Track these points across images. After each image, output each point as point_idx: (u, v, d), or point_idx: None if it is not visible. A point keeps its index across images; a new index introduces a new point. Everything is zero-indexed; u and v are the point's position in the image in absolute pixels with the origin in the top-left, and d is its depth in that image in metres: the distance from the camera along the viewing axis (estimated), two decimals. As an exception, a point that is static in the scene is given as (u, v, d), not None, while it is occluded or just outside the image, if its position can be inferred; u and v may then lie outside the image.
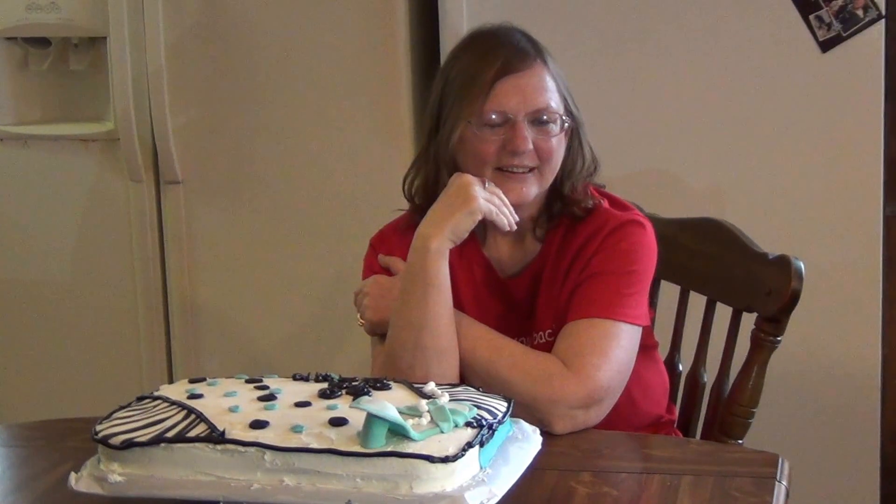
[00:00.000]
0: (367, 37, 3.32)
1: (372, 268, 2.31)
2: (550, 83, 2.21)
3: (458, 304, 2.22)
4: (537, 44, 2.25)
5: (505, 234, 2.25)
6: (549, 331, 2.22)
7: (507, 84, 2.19)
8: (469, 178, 2.17)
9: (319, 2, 3.31)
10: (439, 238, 2.12)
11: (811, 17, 3.05)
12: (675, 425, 2.41)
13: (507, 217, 2.16)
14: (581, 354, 2.10)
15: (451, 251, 2.18)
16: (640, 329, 2.20)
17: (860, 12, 3.04)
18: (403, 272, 2.18)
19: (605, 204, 2.26)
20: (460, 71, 2.23)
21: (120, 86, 3.43)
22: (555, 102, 2.20)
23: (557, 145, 2.20)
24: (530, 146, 2.18)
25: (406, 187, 2.32)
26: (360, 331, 2.31)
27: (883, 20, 3.05)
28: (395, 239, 2.32)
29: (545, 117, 2.19)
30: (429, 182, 2.27)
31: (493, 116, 2.18)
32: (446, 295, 2.14)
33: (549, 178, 2.22)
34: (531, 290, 2.26)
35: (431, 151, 2.26)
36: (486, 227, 2.25)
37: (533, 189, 2.20)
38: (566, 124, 2.21)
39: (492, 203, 2.15)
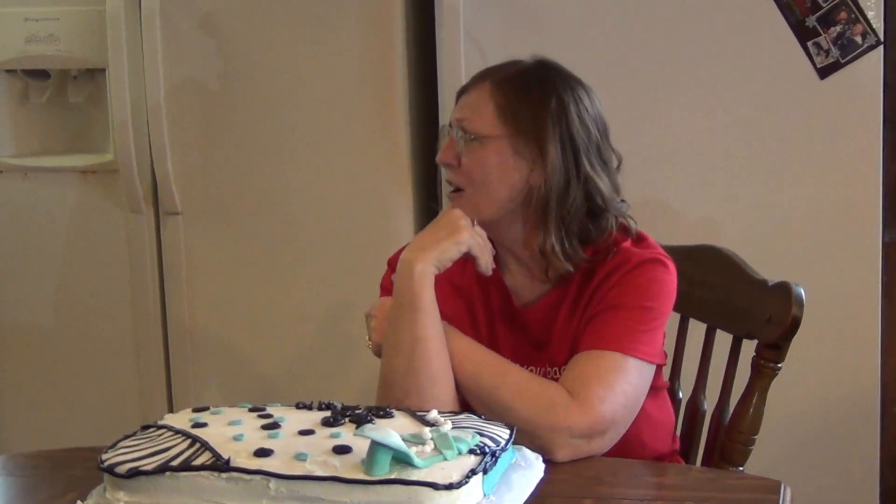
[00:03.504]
0: (365, 69, 3.33)
1: (386, 287, 2.30)
2: (484, 102, 2.20)
3: (473, 329, 2.25)
4: (509, 70, 2.25)
5: (520, 265, 2.27)
6: (565, 367, 2.20)
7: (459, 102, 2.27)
8: (459, 211, 2.18)
9: (317, 35, 3.33)
10: (423, 263, 2.12)
11: (809, 43, 3.07)
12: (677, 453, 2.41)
13: (485, 260, 2.18)
14: (587, 385, 2.08)
15: (470, 276, 2.19)
16: (653, 367, 2.18)
17: (858, 39, 3.05)
18: (392, 298, 2.18)
19: (628, 243, 2.24)
20: None
21: (119, 117, 3.44)
22: (479, 119, 2.19)
23: (478, 164, 2.19)
24: (444, 157, 2.22)
25: None
26: (359, 359, 2.32)
27: (881, 46, 3.06)
28: None
29: (463, 128, 2.20)
30: None
31: (445, 131, 2.26)
32: (434, 318, 2.13)
33: (482, 203, 2.20)
34: (546, 321, 2.25)
35: None
36: (504, 253, 2.27)
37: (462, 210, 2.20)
38: (489, 144, 2.19)
39: (476, 239, 2.16)
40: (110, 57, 3.42)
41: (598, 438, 2.08)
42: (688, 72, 3.17)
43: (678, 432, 2.48)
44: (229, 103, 3.41)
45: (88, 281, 3.62)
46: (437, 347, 2.13)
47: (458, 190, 2.23)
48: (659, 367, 2.25)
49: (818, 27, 3.06)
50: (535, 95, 2.21)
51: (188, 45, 3.40)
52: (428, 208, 3.37)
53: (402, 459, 1.65)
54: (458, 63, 3.20)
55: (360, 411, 1.83)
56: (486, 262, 2.19)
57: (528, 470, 1.83)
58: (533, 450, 1.91)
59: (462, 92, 2.27)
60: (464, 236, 2.15)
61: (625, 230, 2.27)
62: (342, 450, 1.69)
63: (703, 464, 2.42)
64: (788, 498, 1.88)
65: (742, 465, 2.31)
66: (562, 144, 2.19)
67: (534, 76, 2.24)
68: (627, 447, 2.14)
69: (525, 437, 1.95)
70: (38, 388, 3.70)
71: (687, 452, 2.45)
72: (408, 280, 2.13)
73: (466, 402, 2.14)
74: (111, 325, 3.61)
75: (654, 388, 2.22)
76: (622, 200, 2.26)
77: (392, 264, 2.32)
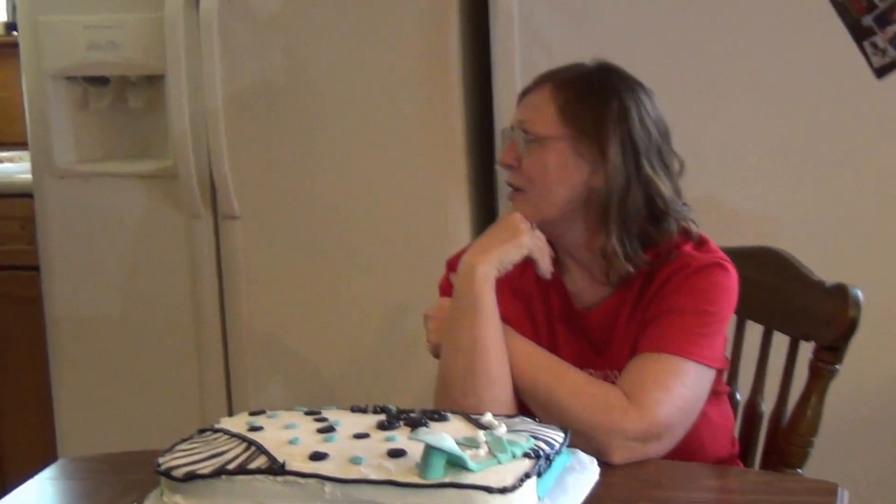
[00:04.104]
0: (421, 72, 3.34)
1: (445, 288, 2.31)
2: (546, 103, 2.21)
3: (533, 331, 2.25)
4: (571, 72, 2.26)
5: (580, 267, 2.27)
6: None
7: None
8: (519, 215, 2.19)
9: (374, 40, 3.34)
10: (485, 265, 2.14)
11: (865, 43, 3.05)
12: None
13: (545, 263, 2.19)
14: (644, 388, 2.08)
15: (530, 279, 2.20)
16: (712, 371, 2.17)
17: (915, 38, 3.03)
18: (452, 299, 2.19)
19: (689, 246, 2.23)
20: None
21: (178, 123, 3.46)
22: (540, 120, 2.20)
23: (538, 164, 2.20)
24: (505, 158, 2.23)
25: None
26: (417, 361, 2.33)
27: (938, 46, 3.04)
28: None
29: (524, 130, 2.21)
30: None
31: (506, 133, 2.27)
32: (494, 320, 2.14)
33: (542, 204, 2.21)
34: (607, 325, 2.25)
35: None
36: (564, 257, 2.28)
37: (522, 211, 2.21)
38: (550, 145, 2.19)
39: (536, 242, 2.18)
40: (169, 63, 3.44)
41: (655, 442, 2.07)
42: (745, 72, 3.15)
43: (736, 433, 2.48)
44: (286, 107, 3.43)
45: (148, 285, 3.64)
46: (497, 349, 2.13)
47: (518, 190, 2.24)
48: (720, 372, 2.24)
49: (874, 27, 3.04)
50: (597, 98, 2.21)
51: (246, 51, 3.42)
52: (485, 208, 3.37)
53: (456, 463, 1.65)
54: (513, 63, 3.20)
55: (414, 415, 1.84)
56: (545, 266, 2.20)
57: (583, 473, 1.83)
58: (589, 453, 1.91)
59: (524, 94, 2.28)
60: (524, 239, 2.16)
61: (686, 233, 2.26)
62: (397, 453, 1.70)
63: (761, 466, 2.41)
64: (846, 500, 1.87)
65: (801, 468, 2.30)
66: (622, 147, 2.19)
67: (595, 79, 2.25)
68: (687, 451, 2.13)
69: (581, 439, 1.96)
70: (100, 391, 3.73)
71: (745, 455, 2.44)
72: (469, 282, 2.14)
73: (524, 405, 2.15)
74: (171, 329, 3.64)
75: (715, 393, 2.21)
76: (684, 204, 2.26)
77: (451, 266, 2.33)
